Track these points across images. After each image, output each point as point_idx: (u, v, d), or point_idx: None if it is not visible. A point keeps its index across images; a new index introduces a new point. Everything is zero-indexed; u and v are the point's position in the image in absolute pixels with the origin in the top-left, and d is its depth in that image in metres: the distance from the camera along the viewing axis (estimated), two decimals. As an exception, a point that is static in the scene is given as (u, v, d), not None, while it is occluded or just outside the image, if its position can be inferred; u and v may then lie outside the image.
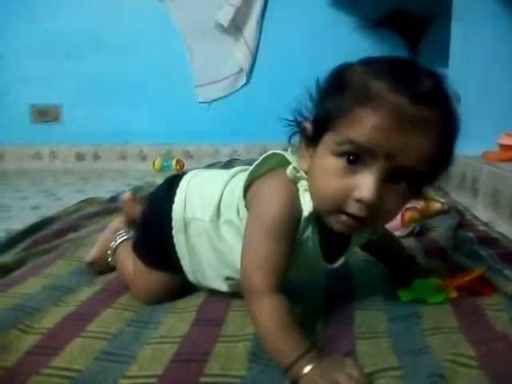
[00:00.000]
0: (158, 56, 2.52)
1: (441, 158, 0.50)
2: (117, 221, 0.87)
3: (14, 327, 0.56)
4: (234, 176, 0.63)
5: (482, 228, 1.04)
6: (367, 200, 0.46)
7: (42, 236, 1.06)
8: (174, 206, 0.64)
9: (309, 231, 0.54)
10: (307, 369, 0.44)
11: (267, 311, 0.49)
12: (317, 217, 0.53)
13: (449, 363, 0.46)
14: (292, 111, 0.53)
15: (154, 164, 2.40)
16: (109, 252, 0.77)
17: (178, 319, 0.61)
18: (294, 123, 0.53)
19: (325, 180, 0.49)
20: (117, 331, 0.58)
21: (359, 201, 0.47)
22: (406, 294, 0.63)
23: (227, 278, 0.63)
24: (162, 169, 2.35)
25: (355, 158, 0.47)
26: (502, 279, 0.68)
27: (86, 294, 0.70)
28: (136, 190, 1.52)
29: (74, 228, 1.14)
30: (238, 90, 2.56)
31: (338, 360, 0.46)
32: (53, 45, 2.55)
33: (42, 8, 2.52)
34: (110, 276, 0.77)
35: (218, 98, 2.57)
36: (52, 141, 2.62)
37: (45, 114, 2.61)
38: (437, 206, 1.10)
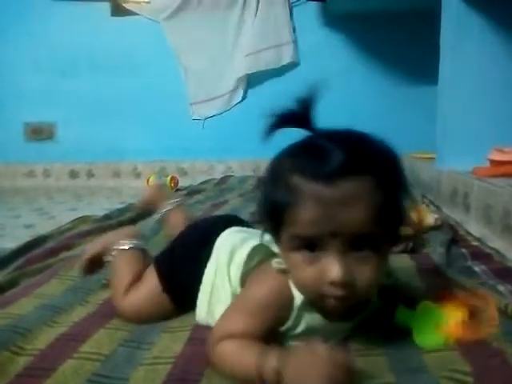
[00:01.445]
0: (153, 74, 2.55)
1: (388, 210, 0.50)
2: (127, 228, 0.87)
3: (6, 349, 0.55)
4: (230, 263, 0.63)
5: (475, 243, 1.05)
6: (339, 280, 0.48)
7: (36, 255, 1.05)
8: (207, 269, 0.65)
9: (307, 316, 0.55)
10: (279, 364, 0.45)
11: (225, 347, 0.51)
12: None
13: (445, 380, 0.46)
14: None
15: (148, 181, 2.40)
16: (113, 249, 0.75)
17: (172, 339, 0.60)
18: (259, 223, 0.57)
19: (298, 273, 0.51)
20: (109, 352, 0.57)
21: (333, 283, 0.49)
22: (432, 339, 0.55)
23: None
24: (156, 186, 2.35)
25: (310, 246, 0.50)
26: (496, 295, 0.68)
27: (78, 314, 0.69)
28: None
29: (67, 247, 1.13)
30: (233, 106, 2.59)
31: (308, 349, 0.47)
32: (47, 63, 2.58)
33: (37, 26, 2.56)
34: (104, 295, 0.77)
35: (213, 116, 2.60)
36: (46, 159, 2.62)
37: (39, 132, 2.62)
38: (430, 221, 1.11)
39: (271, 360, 0.46)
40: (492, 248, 1.00)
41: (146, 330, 0.64)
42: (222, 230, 0.69)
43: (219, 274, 0.64)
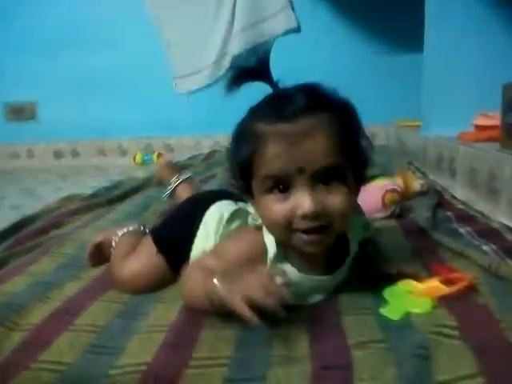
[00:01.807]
0: (134, 48, 2.49)
1: (348, 144, 0.54)
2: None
3: (1, 325, 0.56)
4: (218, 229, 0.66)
5: (461, 207, 1.07)
6: (310, 212, 0.51)
7: (25, 234, 1.04)
8: (198, 236, 0.68)
9: (282, 267, 0.57)
10: (218, 279, 0.51)
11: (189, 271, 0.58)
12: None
13: (433, 335, 0.48)
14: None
15: (134, 158, 2.38)
16: (114, 237, 0.79)
17: (166, 309, 0.61)
18: (234, 188, 0.60)
19: (270, 212, 0.54)
20: (105, 324, 0.58)
21: (305, 216, 0.52)
22: (392, 311, 0.55)
23: None
24: (144, 163, 2.33)
25: (281, 186, 0.53)
26: (480, 255, 0.70)
27: (72, 289, 0.69)
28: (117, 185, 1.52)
29: (56, 225, 1.12)
30: (217, 80, 2.55)
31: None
32: (25, 41, 2.50)
33: (13, 4, 2.46)
34: (96, 271, 0.77)
35: (197, 90, 2.56)
36: (28, 139, 2.57)
37: (20, 112, 2.56)
38: (416, 187, 1.12)
39: (211, 279, 0.51)
40: (477, 210, 1.02)
41: (140, 302, 0.65)
42: (213, 202, 0.71)
43: (208, 241, 0.66)
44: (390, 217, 0.99)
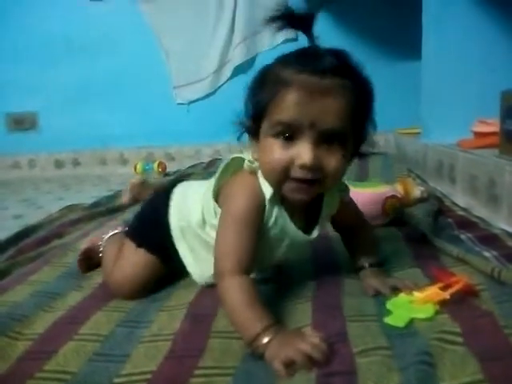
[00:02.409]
0: (134, 58, 2.51)
1: (358, 116, 0.57)
2: (115, 223, 0.91)
3: (4, 335, 0.56)
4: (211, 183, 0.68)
5: (461, 213, 1.07)
6: (308, 164, 0.54)
7: (27, 244, 1.05)
8: (170, 215, 0.70)
9: (276, 210, 0.61)
10: (269, 339, 0.49)
11: (235, 289, 0.55)
12: (282, 197, 0.60)
13: (436, 341, 0.48)
14: (236, 116, 0.61)
15: (135, 168, 2.39)
16: (100, 243, 0.81)
17: (169, 317, 0.61)
18: (239, 125, 0.61)
19: (270, 157, 0.56)
20: (108, 332, 0.58)
21: (302, 166, 0.55)
22: (396, 319, 0.55)
23: None
24: (144, 172, 2.33)
25: (289, 134, 0.55)
26: (482, 261, 0.70)
27: (74, 298, 0.70)
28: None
29: (58, 235, 1.13)
30: (218, 89, 2.56)
31: (298, 331, 0.52)
32: (25, 51, 2.52)
33: (13, 15, 2.49)
34: (98, 280, 0.77)
35: (197, 99, 2.58)
36: (30, 149, 2.58)
37: (21, 123, 2.57)
38: (416, 194, 1.13)
39: (261, 333, 0.50)
40: (477, 217, 1.02)
41: (143, 310, 0.65)
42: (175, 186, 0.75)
43: (183, 217, 0.69)
44: (391, 223, 0.99)
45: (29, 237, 1.13)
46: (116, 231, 0.83)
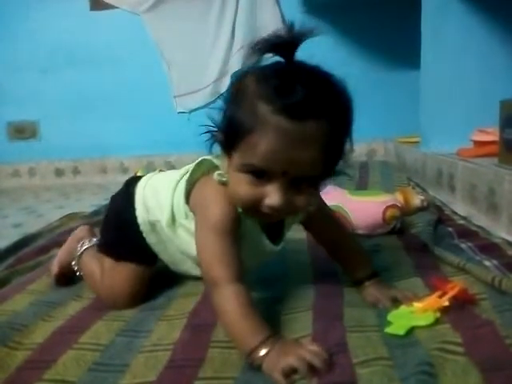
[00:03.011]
0: (135, 68, 2.52)
1: (332, 156, 0.56)
2: (80, 229, 0.87)
3: (3, 345, 0.56)
4: (181, 179, 0.67)
5: (461, 222, 1.07)
6: (277, 207, 0.54)
7: (26, 253, 1.05)
8: (137, 212, 0.70)
9: (249, 222, 0.61)
10: (267, 352, 0.48)
11: (229, 300, 0.53)
12: None
13: (437, 351, 0.48)
14: (210, 121, 0.58)
15: (135, 176, 2.40)
16: (73, 263, 0.78)
17: (169, 326, 0.61)
18: (210, 132, 0.59)
19: (239, 189, 0.55)
20: (108, 342, 0.58)
21: (271, 208, 0.55)
22: (397, 328, 0.55)
23: (196, 267, 0.69)
24: (144, 181, 2.34)
25: (260, 174, 0.54)
26: (482, 270, 0.70)
27: (73, 307, 0.69)
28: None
29: (57, 244, 1.12)
30: (217, 98, 2.57)
31: (295, 341, 0.52)
32: (27, 61, 2.53)
33: (15, 23, 2.51)
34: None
35: (198, 108, 2.58)
36: (30, 158, 2.58)
37: (22, 131, 2.58)
38: (416, 203, 1.13)
39: (259, 346, 0.49)
40: (477, 226, 1.02)
41: (142, 319, 0.64)
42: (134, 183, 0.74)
43: (152, 213, 0.69)
44: (391, 232, 0.99)
45: (28, 245, 1.13)
46: (84, 247, 0.79)
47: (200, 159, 0.64)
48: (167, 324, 0.62)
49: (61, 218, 1.40)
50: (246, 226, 0.61)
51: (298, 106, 0.50)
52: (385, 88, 2.50)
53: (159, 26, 2.51)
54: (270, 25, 2.44)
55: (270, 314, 0.60)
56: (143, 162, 2.59)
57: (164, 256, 0.72)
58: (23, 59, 2.53)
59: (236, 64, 2.49)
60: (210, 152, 0.60)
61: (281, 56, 0.53)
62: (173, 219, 0.67)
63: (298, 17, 2.51)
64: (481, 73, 1.55)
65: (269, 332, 0.51)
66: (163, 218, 0.67)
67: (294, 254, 0.84)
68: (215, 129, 0.58)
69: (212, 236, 0.58)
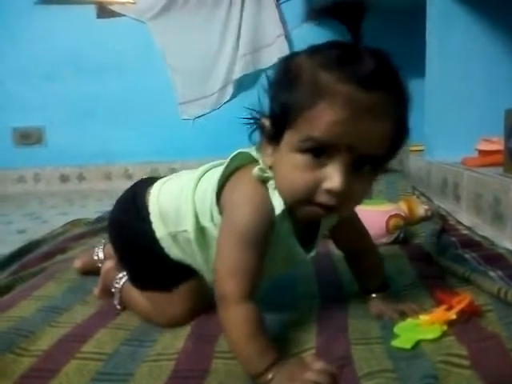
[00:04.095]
0: (141, 75, 2.54)
1: (399, 136, 0.51)
2: (107, 268, 0.76)
3: (10, 351, 0.56)
4: (200, 179, 0.61)
5: (465, 232, 1.07)
6: (337, 190, 0.48)
7: (30, 259, 1.05)
8: (154, 226, 0.63)
9: (284, 226, 0.55)
10: (273, 376, 0.47)
11: (237, 319, 0.50)
12: (289, 211, 0.54)
13: (442, 364, 0.47)
14: (250, 108, 0.53)
15: (139, 183, 2.40)
16: (116, 301, 0.71)
17: (173, 336, 0.61)
18: (252, 121, 0.53)
19: (293, 175, 0.49)
20: (112, 351, 0.58)
21: (329, 191, 0.48)
22: (403, 341, 0.55)
23: None
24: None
25: (320, 152, 0.48)
26: (487, 281, 0.70)
27: (80, 314, 0.69)
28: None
29: (61, 250, 1.13)
30: (222, 105, 2.59)
31: (299, 360, 0.50)
32: (34, 67, 2.55)
33: (22, 30, 2.53)
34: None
35: (202, 115, 2.59)
36: (35, 163, 2.60)
37: (27, 137, 2.60)
38: (420, 212, 1.13)
39: (266, 370, 0.48)
40: (481, 236, 1.02)
41: (147, 329, 0.64)
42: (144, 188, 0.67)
43: (171, 224, 0.62)
44: (394, 242, 0.99)
45: (32, 252, 1.13)
46: (122, 282, 0.70)
47: (236, 152, 0.57)
48: (171, 333, 0.62)
49: (65, 225, 1.41)
50: (280, 230, 0.54)
51: (369, 75, 0.45)
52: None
53: (164, 34, 2.53)
54: (269, 34, 2.47)
55: (274, 326, 0.60)
56: (147, 168, 2.60)
57: (197, 268, 0.64)
58: (30, 66, 2.55)
59: (240, 71, 2.50)
60: (250, 143, 0.54)
61: (348, 23, 0.49)
62: (197, 224, 0.58)
63: (306, 25, 2.52)
64: (486, 82, 1.56)
65: (276, 355, 0.49)
66: (188, 224, 0.59)
67: (299, 265, 0.84)
68: (258, 116, 0.52)
69: (236, 244, 0.52)
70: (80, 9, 2.52)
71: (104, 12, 2.54)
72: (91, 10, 2.54)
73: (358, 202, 0.54)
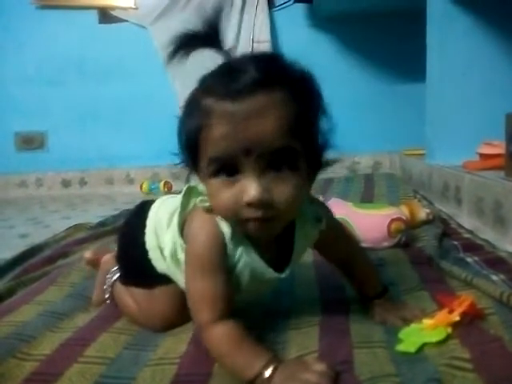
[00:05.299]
0: (142, 80, 2.55)
1: (301, 126, 0.50)
2: (104, 261, 0.80)
3: (12, 356, 0.56)
4: (175, 211, 0.62)
5: (467, 236, 1.06)
6: (255, 200, 0.48)
7: (32, 264, 1.05)
8: (147, 237, 0.65)
9: (240, 249, 0.55)
10: (271, 373, 0.46)
11: (220, 340, 0.51)
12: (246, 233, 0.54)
13: (445, 367, 0.47)
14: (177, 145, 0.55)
15: (141, 187, 2.40)
16: (107, 296, 0.73)
17: (175, 340, 0.61)
18: (178, 160, 0.56)
19: (216, 199, 0.51)
20: (115, 355, 0.58)
21: (250, 204, 0.49)
22: (408, 345, 0.54)
23: None
24: (150, 191, 2.35)
25: (230, 171, 0.49)
26: (490, 284, 0.70)
27: (81, 319, 0.69)
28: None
29: (63, 255, 1.13)
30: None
31: (300, 360, 0.50)
32: (36, 72, 2.57)
33: (24, 35, 2.55)
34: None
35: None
36: (37, 168, 2.61)
37: (29, 142, 2.61)
38: (422, 216, 1.12)
39: (262, 370, 0.47)
40: (483, 239, 1.02)
41: (149, 334, 0.64)
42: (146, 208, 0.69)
43: (160, 240, 0.63)
44: (396, 246, 0.99)
45: (34, 256, 1.13)
46: (114, 278, 0.73)
47: (186, 188, 0.59)
48: (173, 338, 0.62)
49: (67, 229, 1.41)
50: (237, 252, 0.55)
51: (237, 85, 0.48)
52: (390, 100, 2.51)
53: (164, 38, 2.53)
54: (262, 37, 2.47)
55: (275, 330, 0.60)
56: (149, 173, 2.61)
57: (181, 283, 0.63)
58: (32, 71, 2.57)
59: None
60: (188, 180, 0.57)
61: (208, 47, 0.53)
62: (175, 253, 0.61)
63: (305, 30, 2.54)
64: (486, 86, 1.56)
65: (269, 354, 0.49)
66: (166, 247, 0.62)
67: (300, 269, 0.84)
68: (178, 153, 0.55)
69: (196, 273, 0.54)
70: (82, 14, 2.54)
71: (106, 17, 2.55)
72: (93, 15, 2.56)
73: (292, 206, 0.51)
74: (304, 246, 0.62)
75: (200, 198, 0.56)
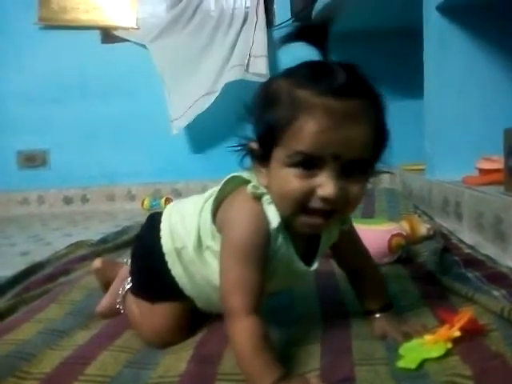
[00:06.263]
0: (144, 99, 2.58)
1: (379, 138, 0.54)
2: (125, 268, 0.81)
3: (12, 375, 0.56)
4: (207, 201, 0.63)
5: (468, 251, 1.06)
6: (332, 197, 0.50)
7: (33, 281, 1.05)
8: (163, 240, 0.65)
9: (281, 239, 0.56)
10: None
11: (243, 333, 0.52)
12: (286, 225, 0.56)
13: (446, 385, 0.47)
14: (236, 136, 0.56)
15: (142, 204, 2.41)
16: (118, 300, 0.75)
17: (175, 358, 0.61)
18: (240, 147, 0.57)
19: (288, 185, 0.52)
20: (115, 373, 0.57)
21: (324, 199, 0.51)
22: (408, 361, 0.54)
23: None
24: (152, 208, 2.35)
25: (309, 165, 0.51)
26: (491, 300, 0.69)
27: (81, 337, 0.69)
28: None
29: (64, 272, 1.13)
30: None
31: (302, 378, 0.51)
32: (39, 90, 2.60)
33: (26, 54, 2.59)
34: (105, 319, 0.77)
35: (187, 124, 2.53)
36: (39, 186, 2.62)
37: (32, 160, 2.62)
38: (422, 231, 1.13)
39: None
40: (484, 255, 1.02)
41: (150, 352, 0.64)
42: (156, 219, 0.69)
43: (177, 238, 0.64)
44: (397, 261, 0.99)
45: (35, 274, 1.13)
46: (127, 287, 0.74)
47: (229, 176, 0.59)
48: (174, 356, 0.62)
49: (68, 246, 1.41)
50: (278, 244, 0.56)
51: (342, 85, 0.49)
52: (390, 116, 2.52)
53: (163, 55, 2.54)
54: (259, 52, 2.47)
55: (277, 346, 0.59)
56: (150, 189, 2.62)
57: (191, 291, 0.65)
58: (35, 89, 2.60)
59: (227, 77, 2.47)
60: (241, 167, 0.57)
61: (313, 43, 0.53)
62: (199, 242, 0.61)
63: (304, 47, 2.56)
64: (484, 102, 1.57)
65: (280, 372, 0.50)
66: (190, 242, 0.62)
67: (300, 284, 0.84)
68: (245, 142, 0.56)
69: (234, 260, 0.54)
70: (85, 34, 2.58)
71: (108, 37, 2.59)
72: (96, 35, 2.60)
73: (355, 205, 0.55)
74: (327, 244, 0.64)
75: (252, 184, 0.56)
